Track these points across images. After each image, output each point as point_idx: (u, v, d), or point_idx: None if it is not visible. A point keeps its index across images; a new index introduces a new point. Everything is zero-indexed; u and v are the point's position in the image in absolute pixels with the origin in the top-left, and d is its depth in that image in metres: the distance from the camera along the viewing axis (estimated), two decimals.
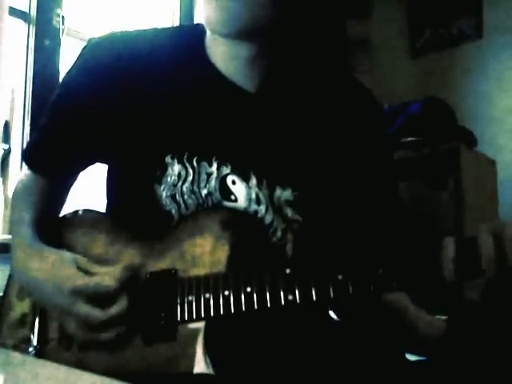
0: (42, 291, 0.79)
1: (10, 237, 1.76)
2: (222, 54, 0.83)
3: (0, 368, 0.64)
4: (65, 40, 2.08)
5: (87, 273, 0.76)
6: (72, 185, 0.96)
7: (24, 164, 0.94)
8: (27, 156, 0.93)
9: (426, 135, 2.22)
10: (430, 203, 2.11)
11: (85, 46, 0.87)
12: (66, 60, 2.07)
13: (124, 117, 0.82)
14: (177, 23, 2.59)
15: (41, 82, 1.96)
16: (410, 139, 2.20)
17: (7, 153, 1.87)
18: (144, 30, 0.88)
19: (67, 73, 0.88)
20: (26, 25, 2.01)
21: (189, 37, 0.86)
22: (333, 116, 0.88)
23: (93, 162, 0.93)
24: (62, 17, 2.06)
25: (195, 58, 0.84)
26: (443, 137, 2.21)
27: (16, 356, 0.76)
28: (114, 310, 0.73)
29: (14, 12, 1.92)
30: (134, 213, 0.85)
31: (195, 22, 2.55)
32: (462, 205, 2.08)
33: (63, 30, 2.07)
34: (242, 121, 0.83)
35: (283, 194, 0.82)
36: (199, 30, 0.86)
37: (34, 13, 2.01)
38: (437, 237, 0.68)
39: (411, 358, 0.87)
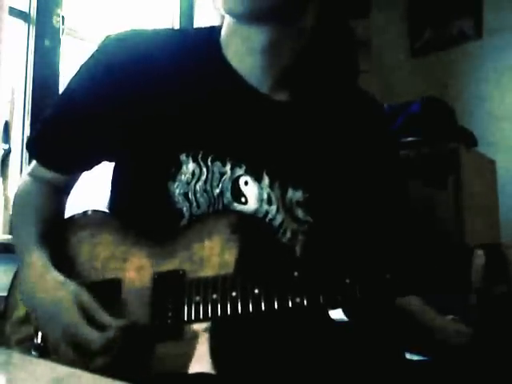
0: (41, 317, 0.79)
1: (9, 237, 1.77)
2: (238, 46, 0.83)
3: (1, 368, 0.64)
4: (65, 40, 2.08)
5: (87, 313, 0.74)
6: (73, 186, 0.95)
7: (27, 166, 0.94)
8: (38, 150, 0.92)
9: (425, 135, 2.22)
10: (429, 203, 2.11)
11: (101, 42, 0.87)
12: (66, 60, 2.07)
13: (139, 114, 0.83)
14: (177, 23, 2.59)
15: (41, 82, 1.96)
16: (410, 139, 2.20)
17: (7, 153, 1.87)
18: (160, 29, 0.89)
19: (81, 67, 0.88)
20: (26, 25, 2.00)
21: (204, 37, 0.88)
22: (343, 118, 0.89)
23: (101, 160, 0.92)
24: (62, 17, 2.06)
25: (211, 57, 0.85)
26: (443, 137, 2.20)
27: (17, 356, 0.76)
28: (96, 362, 0.72)
29: (13, 12, 1.92)
30: (145, 210, 0.85)
31: (195, 23, 2.55)
32: (462, 205, 2.08)
33: (63, 29, 2.07)
34: (256, 122, 0.83)
35: (295, 195, 0.83)
36: (215, 31, 0.87)
37: (33, 13, 2.01)
38: (462, 246, 0.70)
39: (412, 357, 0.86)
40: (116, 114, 0.83)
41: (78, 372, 0.61)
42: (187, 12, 2.60)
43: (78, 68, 0.88)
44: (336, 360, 0.82)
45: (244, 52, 0.83)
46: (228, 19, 0.84)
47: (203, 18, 2.51)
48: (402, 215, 0.94)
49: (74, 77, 0.89)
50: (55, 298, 0.77)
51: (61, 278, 0.79)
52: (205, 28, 0.92)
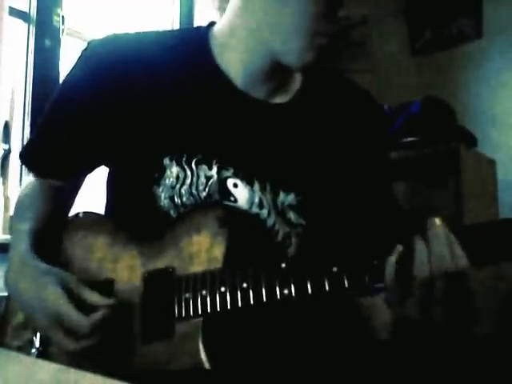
0: (27, 306, 0.80)
1: (10, 237, 1.77)
2: (236, 55, 0.83)
3: (1, 368, 0.64)
4: (65, 40, 2.08)
5: (73, 296, 0.76)
6: (78, 187, 0.96)
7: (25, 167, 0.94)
8: (26, 158, 0.93)
9: (425, 135, 2.22)
10: (429, 203, 2.11)
11: (85, 48, 0.87)
12: (66, 60, 2.07)
13: (123, 118, 0.82)
14: (177, 25, 2.59)
15: (41, 82, 1.96)
16: (410, 139, 2.20)
17: (7, 153, 1.87)
18: (145, 32, 0.88)
19: (68, 74, 0.87)
20: (26, 25, 2.01)
21: (192, 39, 0.86)
22: (335, 122, 0.89)
23: (96, 165, 0.92)
24: (62, 17, 2.06)
25: (199, 60, 0.84)
26: (443, 137, 2.20)
27: (14, 356, 0.76)
28: (83, 343, 0.74)
29: (13, 12, 1.93)
30: (134, 214, 0.85)
31: (195, 23, 2.55)
32: (462, 205, 2.08)
33: (63, 29, 2.07)
34: (245, 125, 0.83)
35: (286, 199, 0.83)
36: (202, 32, 0.86)
37: (34, 13, 2.01)
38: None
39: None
40: (104, 118, 0.83)
41: (77, 372, 0.61)
42: (187, 12, 2.60)
43: (65, 76, 0.88)
44: (332, 356, 0.83)
45: (245, 66, 0.82)
46: (229, 24, 0.83)
47: (203, 18, 2.51)
48: (391, 210, 0.94)
49: (61, 85, 0.89)
50: (40, 284, 0.78)
51: (45, 265, 0.80)
52: (192, 29, 0.92)
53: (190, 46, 0.85)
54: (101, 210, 0.93)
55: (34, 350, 0.82)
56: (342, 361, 0.82)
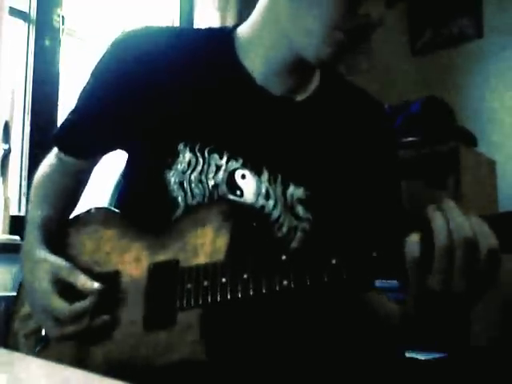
0: (28, 292, 0.87)
1: (9, 237, 1.78)
2: (260, 57, 0.85)
3: (1, 368, 0.64)
4: (65, 40, 2.08)
5: (63, 284, 0.81)
6: (94, 167, 0.99)
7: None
8: (61, 139, 0.96)
9: (425, 135, 2.22)
10: (429, 203, 2.11)
11: (117, 37, 0.90)
12: (66, 60, 2.07)
13: (147, 105, 0.85)
14: (177, 23, 2.59)
15: (41, 82, 1.96)
16: (410, 139, 2.20)
17: (7, 153, 1.87)
18: (172, 27, 0.93)
19: (99, 61, 0.91)
20: (26, 25, 2.01)
21: (216, 36, 0.91)
22: (347, 124, 0.91)
23: (117, 147, 0.95)
24: (62, 17, 2.07)
25: (221, 55, 0.87)
26: (443, 137, 2.21)
27: (18, 356, 0.77)
28: (67, 330, 0.79)
29: (13, 12, 1.93)
30: (143, 199, 0.88)
31: (195, 23, 2.55)
32: (462, 205, 2.08)
33: (63, 29, 2.07)
34: (261, 119, 0.85)
35: (296, 192, 0.84)
36: (227, 31, 0.90)
37: (34, 13, 2.01)
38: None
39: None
40: (129, 105, 0.86)
41: (78, 372, 0.61)
42: (187, 12, 2.60)
43: (96, 63, 0.91)
44: (330, 350, 0.84)
45: (265, 60, 0.85)
46: (255, 22, 0.86)
47: (203, 18, 2.52)
48: (393, 202, 0.95)
49: (93, 72, 0.92)
50: (34, 275, 0.84)
51: (43, 254, 0.86)
52: (218, 28, 0.97)
53: (214, 42, 0.89)
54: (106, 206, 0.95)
55: (40, 339, 0.85)
56: (343, 356, 0.83)
